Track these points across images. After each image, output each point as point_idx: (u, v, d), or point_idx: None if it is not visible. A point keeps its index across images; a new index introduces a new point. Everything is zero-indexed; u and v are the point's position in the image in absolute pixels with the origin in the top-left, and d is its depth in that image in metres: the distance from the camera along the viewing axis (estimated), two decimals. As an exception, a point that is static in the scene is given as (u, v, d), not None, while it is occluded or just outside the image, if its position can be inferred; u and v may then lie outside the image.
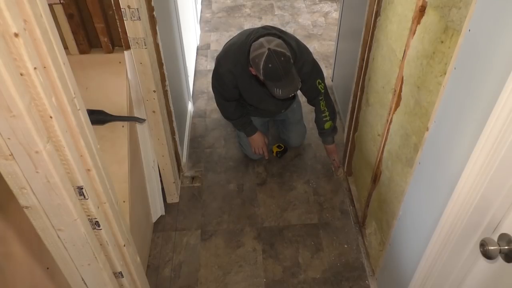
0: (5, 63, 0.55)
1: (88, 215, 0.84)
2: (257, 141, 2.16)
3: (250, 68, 1.74)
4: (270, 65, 1.58)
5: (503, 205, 0.88)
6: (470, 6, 0.87)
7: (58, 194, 0.72)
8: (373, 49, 1.66)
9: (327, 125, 2.05)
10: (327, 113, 2.03)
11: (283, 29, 1.96)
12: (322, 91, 1.96)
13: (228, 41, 1.94)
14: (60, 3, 1.44)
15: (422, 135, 1.16)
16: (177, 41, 2.21)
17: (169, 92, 1.82)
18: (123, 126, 1.54)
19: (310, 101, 2.06)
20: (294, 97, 2.24)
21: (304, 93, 2.04)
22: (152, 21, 1.54)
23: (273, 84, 1.63)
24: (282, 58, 1.59)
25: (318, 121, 2.07)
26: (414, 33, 1.21)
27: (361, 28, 1.77)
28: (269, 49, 1.59)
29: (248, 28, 1.97)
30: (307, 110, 2.60)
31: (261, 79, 1.69)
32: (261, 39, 1.66)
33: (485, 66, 0.82)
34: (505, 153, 0.78)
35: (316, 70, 1.93)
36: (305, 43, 1.94)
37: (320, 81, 1.95)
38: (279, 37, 1.72)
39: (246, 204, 2.09)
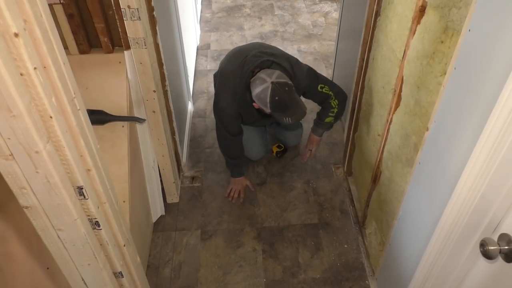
0: (5, 63, 0.55)
1: (88, 215, 0.84)
2: (238, 183, 2.11)
3: (254, 104, 1.74)
4: (277, 98, 1.61)
5: (503, 205, 0.88)
6: (470, 6, 0.87)
7: (58, 194, 0.72)
8: (373, 49, 1.66)
9: (328, 120, 2.01)
10: (335, 110, 1.98)
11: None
12: (330, 93, 1.92)
13: (222, 67, 1.91)
14: (60, 3, 1.44)
15: (422, 135, 1.16)
16: (177, 41, 2.21)
17: (169, 92, 1.82)
18: (123, 126, 1.54)
19: (321, 105, 2.02)
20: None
21: (312, 100, 2.01)
22: (152, 21, 1.54)
23: (282, 114, 1.65)
24: (287, 88, 1.62)
25: (322, 113, 2.03)
26: (414, 33, 1.21)
27: (361, 28, 1.77)
28: (272, 82, 1.61)
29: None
30: (307, 110, 2.60)
31: (267, 112, 1.69)
32: (261, 75, 1.66)
33: (485, 66, 0.82)
34: (505, 153, 0.78)
35: (313, 79, 1.90)
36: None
37: (323, 85, 1.91)
38: (272, 62, 1.73)
39: (246, 204, 2.09)
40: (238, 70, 1.78)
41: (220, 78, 1.90)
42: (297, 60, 1.91)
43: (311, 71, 1.91)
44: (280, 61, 1.78)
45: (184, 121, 2.40)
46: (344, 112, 2.05)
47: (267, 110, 1.65)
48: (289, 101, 1.62)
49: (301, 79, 1.84)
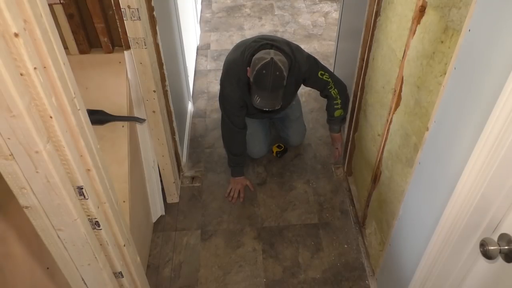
0: (5, 63, 0.55)
1: (88, 215, 0.84)
2: (238, 183, 2.11)
3: (248, 68, 1.76)
4: (264, 72, 1.63)
5: (503, 205, 0.88)
6: (470, 6, 0.87)
7: (58, 194, 0.72)
8: (373, 49, 1.66)
9: (337, 113, 2.04)
10: (339, 101, 2.01)
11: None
12: (329, 79, 1.96)
13: (226, 59, 1.96)
14: (60, 3, 1.44)
15: (422, 135, 1.16)
16: (177, 41, 2.21)
17: (169, 92, 1.82)
18: (123, 126, 1.54)
19: (322, 93, 2.06)
20: (295, 95, 2.24)
21: (313, 88, 2.05)
22: (152, 21, 1.54)
23: (257, 90, 1.68)
24: (277, 73, 1.64)
25: (329, 108, 2.06)
26: (414, 33, 1.21)
27: (361, 28, 1.77)
28: (272, 58, 1.64)
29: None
30: (307, 110, 2.61)
31: (250, 81, 1.71)
32: (270, 50, 1.70)
33: (485, 66, 0.82)
34: (505, 153, 0.78)
35: (313, 64, 1.94)
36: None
37: (323, 72, 1.95)
38: (272, 46, 1.76)
39: (246, 204, 2.09)
40: (240, 57, 1.82)
41: (224, 68, 1.94)
42: (298, 46, 1.94)
43: (311, 57, 1.96)
44: (280, 45, 1.80)
45: (184, 121, 2.40)
46: (349, 103, 2.06)
47: (251, 79, 1.68)
48: (270, 84, 1.64)
49: (301, 63, 1.87)
